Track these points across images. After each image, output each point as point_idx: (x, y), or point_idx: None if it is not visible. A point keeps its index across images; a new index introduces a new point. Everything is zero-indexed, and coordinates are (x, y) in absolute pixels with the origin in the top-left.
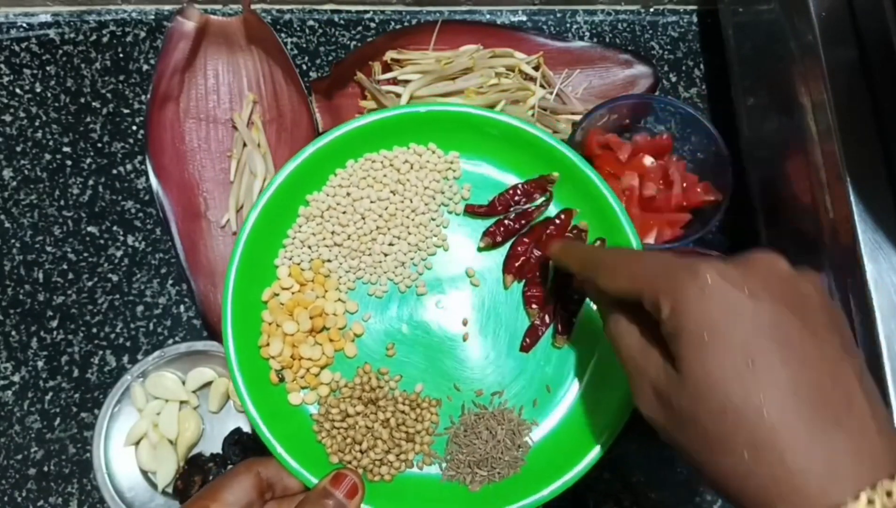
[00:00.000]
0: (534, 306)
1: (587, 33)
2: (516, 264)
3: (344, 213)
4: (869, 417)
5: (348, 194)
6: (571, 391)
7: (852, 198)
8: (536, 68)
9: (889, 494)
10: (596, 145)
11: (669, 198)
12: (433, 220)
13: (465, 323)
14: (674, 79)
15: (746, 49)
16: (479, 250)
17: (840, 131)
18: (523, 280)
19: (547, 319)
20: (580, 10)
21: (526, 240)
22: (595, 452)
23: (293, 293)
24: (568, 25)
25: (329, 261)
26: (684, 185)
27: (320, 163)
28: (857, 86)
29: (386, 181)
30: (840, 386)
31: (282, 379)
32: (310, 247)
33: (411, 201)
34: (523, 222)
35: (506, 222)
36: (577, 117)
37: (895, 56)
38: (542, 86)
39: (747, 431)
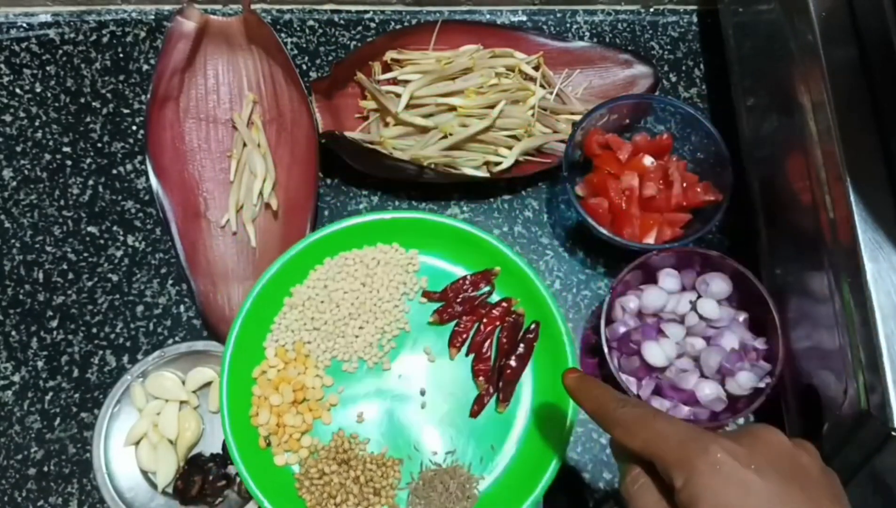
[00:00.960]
0: (480, 378)
1: (587, 33)
2: (459, 340)
3: (322, 302)
4: None
5: (325, 286)
6: (511, 447)
7: (852, 198)
8: (536, 68)
9: None
10: (596, 145)
11: (669, 198)
12: (396, 307)
13: (422, 393)
14: (674, 79)
15: (746, 49)
16: (429, 324)
17: (840, 131)
18: (471, 355)
19: (491, 389)
20: (580, 10)
21: (467, 320)
22: (531, 500)
23: (278, 371)
24: (568, 25)
25: (309, 342)
26: (684, 185)
27: (302, 261)
28: (857, 86)
29: (357, 275)
30: None
31: (269, 444)
32: (293, 331)
33: (378, 292)
34: (468, 306)
35: (454, 304)
36: (577, 117)
37: (895, 56)
38: (542, 86)
39: None
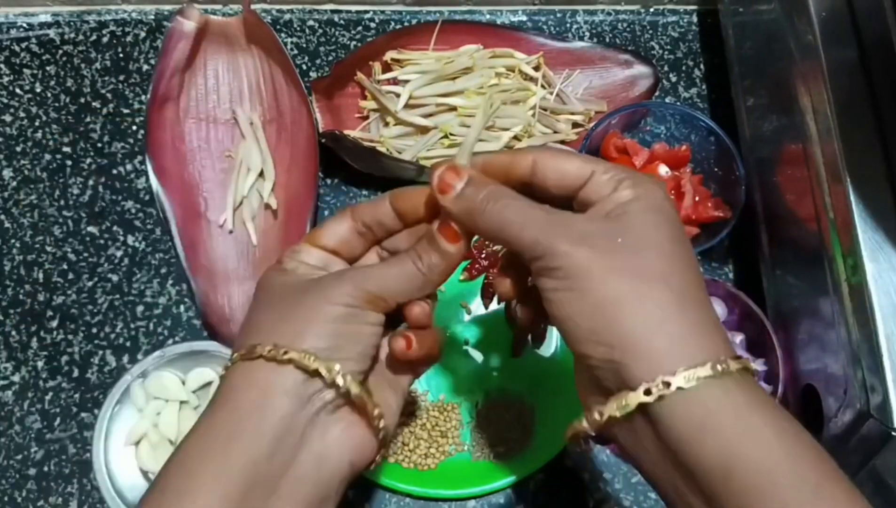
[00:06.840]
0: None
1: (587, 33)
2: (490, 292)
3: None
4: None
5: None
6: (552, 377)
7: (852, 198)
8: (537, 68)
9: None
10: (613, 148)
11: (678, 209)
12: None
13: (466, 343)
14: (674, 79)
15: (746, 49)
16: (461, 282)
17: (840, 131)
18: (503, 303)
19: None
20: (580, 10)
21: (493, 272)
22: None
23: None
24: (568, 25)
25: None
26: (696, 198)
27: None
28: (857, 86)
29: None
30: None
31: None
32: None
33: None
34: (492, 259)
35: (479, 260)
36: (578, 117)
37: (895, 56)
38: (542, 86)
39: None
